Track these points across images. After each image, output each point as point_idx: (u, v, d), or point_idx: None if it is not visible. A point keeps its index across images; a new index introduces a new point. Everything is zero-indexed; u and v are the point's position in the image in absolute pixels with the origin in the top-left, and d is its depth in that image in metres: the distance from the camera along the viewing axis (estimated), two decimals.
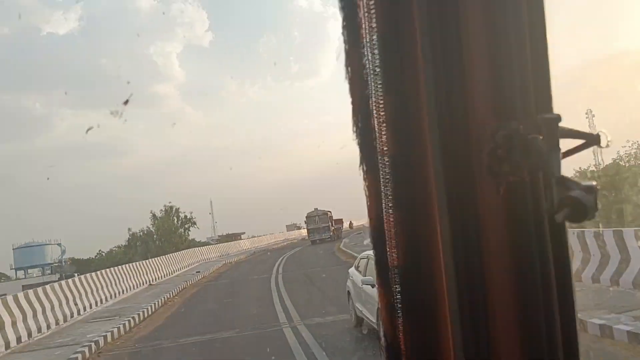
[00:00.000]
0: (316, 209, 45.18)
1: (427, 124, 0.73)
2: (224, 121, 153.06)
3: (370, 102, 0.76)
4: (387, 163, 0.75)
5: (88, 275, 17.50)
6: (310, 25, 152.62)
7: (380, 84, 0.75)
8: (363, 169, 0.79)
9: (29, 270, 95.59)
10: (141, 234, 63.94)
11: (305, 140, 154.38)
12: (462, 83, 0.72)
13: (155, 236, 64.18)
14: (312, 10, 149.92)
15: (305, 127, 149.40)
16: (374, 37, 0.74)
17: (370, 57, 0.75)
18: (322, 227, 44.26)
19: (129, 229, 64.62)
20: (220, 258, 37.91)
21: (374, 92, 0.75)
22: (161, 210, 64.90)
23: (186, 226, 65.22)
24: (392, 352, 0.79)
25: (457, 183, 0.73)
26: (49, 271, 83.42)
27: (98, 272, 18.57)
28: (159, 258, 26.54)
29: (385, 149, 0.75)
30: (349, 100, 0.79)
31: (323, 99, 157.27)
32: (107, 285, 17.89)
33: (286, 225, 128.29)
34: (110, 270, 19.27)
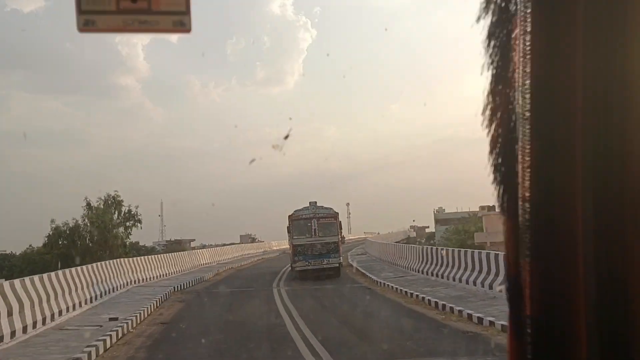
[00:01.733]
0: (313, 205, 23.57)
1: (580, 175, 0.72)
2: (183, 120, 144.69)
3: (516, 147, 0.76)
4: (528, 210, 0.74)
5: None
6: (281, 32, 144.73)
7: (528, 129, 0.75)
8: (503, 213, 0.79)
9: None
10: (66, 228, 48.34)
11: (265, 149, 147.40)
12: (621, 135, 0.70)
13: (85, 233, 48.80)
14: (284, 17, 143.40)
15: (267, 136, 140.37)
16: (527, 81, 0.74)
17: (520, 102, 0.75)
18: (326, 242, 22.62)
19: (52, 221, 48.64)
20: (164, 280, 23.61)
21: (521, 136, 0.76)
22: (99, 199, 49.60)
23: (128, 224, 49.98)
24: None
25: (608, 240, 0.71)
26: None
27: None
28: (49, 276, 12.46)
29: (527, 194, 0.75)
30: (488, 141, 0.80)
31: (286, 109, 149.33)
32: None
33: (240, 235, 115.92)
34: None
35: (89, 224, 48.77)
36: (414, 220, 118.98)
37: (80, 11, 1.08)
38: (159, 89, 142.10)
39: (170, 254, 31.24)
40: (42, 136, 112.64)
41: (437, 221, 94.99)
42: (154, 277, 22.57)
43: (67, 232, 48.66)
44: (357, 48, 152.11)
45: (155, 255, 27.25)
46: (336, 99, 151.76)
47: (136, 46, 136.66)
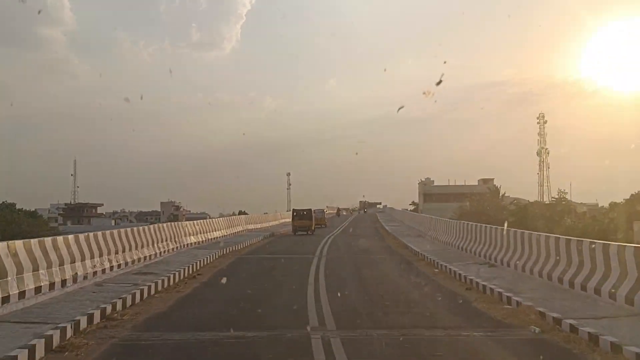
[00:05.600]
0: None
1: None
2: (111, 79, 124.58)
3: None
4: None
5: None
6: None
7: None
8: None
9: None
10: None
11: (197, 115, 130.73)
12: None
13: None
14: None
15: (199, 102, 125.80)
16: None
17: None
18: None
19: None
20: None
21: None
22: None
23: None
24: None
25: None
26: None
27: None
28: None
29: None
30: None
31: (221, 74, 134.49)
32: None
33: (161, 202, 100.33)
34: None
35: None
36: (363, 196, 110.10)
37: None
38: (86, 43, 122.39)
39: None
40: None
41: (425, 196, 79.63)
42: None
43: None
44: (297, 17, 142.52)
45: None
46: (274, 69, 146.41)
47: None
